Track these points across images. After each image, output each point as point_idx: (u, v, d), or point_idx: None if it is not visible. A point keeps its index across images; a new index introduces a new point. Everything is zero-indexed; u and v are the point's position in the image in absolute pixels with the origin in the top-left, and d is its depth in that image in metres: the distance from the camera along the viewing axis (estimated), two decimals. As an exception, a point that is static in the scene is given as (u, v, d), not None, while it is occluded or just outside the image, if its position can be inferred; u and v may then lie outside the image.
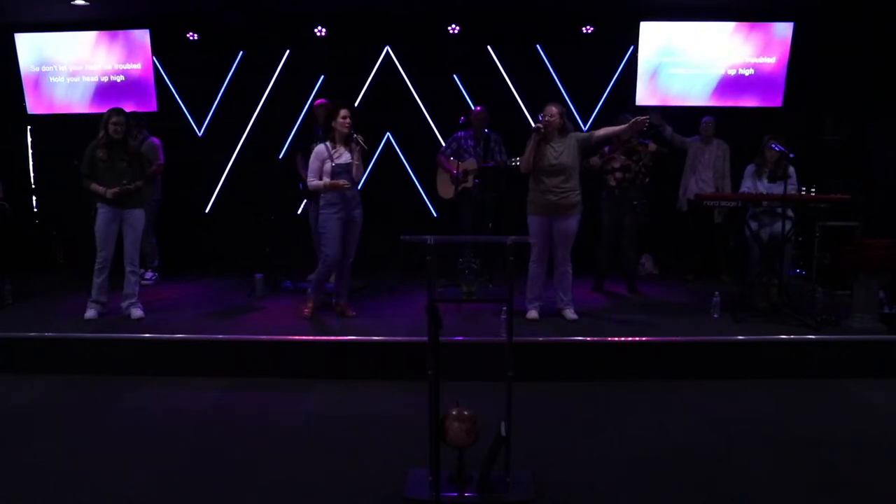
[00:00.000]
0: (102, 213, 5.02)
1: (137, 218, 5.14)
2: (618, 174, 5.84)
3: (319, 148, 4.90)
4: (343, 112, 4.84)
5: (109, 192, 4.95)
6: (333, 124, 4.86)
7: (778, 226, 5.29)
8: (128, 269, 5.13)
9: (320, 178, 4.87)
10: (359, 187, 5.14)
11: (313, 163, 4.89)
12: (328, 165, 4.85)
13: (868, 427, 3.77)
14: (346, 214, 4.93)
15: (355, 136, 4.89)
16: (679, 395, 4.23)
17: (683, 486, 3.10)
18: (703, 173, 6.53)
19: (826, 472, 3.24)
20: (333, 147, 4.89)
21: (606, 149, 5.87)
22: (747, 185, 5.48)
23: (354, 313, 5.16)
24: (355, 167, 4.92)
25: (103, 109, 5.09)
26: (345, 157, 4.89)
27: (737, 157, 6.47)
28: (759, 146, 5.53)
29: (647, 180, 5.94)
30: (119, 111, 5.01)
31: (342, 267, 5.12)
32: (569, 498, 2.99)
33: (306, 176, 6.21)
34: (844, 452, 3.44)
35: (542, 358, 4.53)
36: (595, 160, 5.85)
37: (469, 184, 6.15)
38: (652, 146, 5.93)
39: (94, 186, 4.98)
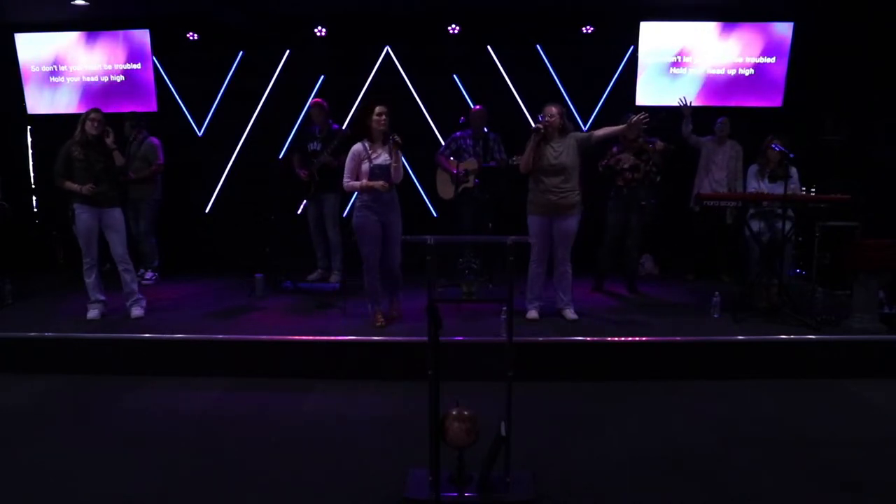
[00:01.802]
0: (80, 213, 4.99)
1: (116, 218, 5.10)
2: (627, 174, 5.81)
3: (357, 147, 4.64)
4: (378, 108, 4.56)
5: (85, 189, 4.92)
6: (368, 122, 4.60)
7: (778, 226, 5.29)
8: (120, 268, 5.12)
9: (357, 179, 4.63)
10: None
11: (349, 162, 4.63)
12: (366, 166, 4.60)
13: (868, 427, 3.77)
14: (384, 217, 4.68)
15: (392, 135, 4.60)
16: (679, 395, 4.23)
17: (683, 486, 3.10)
18: (717, 174, 6.49)
19: (826, 471, 3.24)
20: (371, 147, 4.65)
21: (615, 148, 5.85)
22: (752, 186, 5.47)
23: (381, 323, 4.87)
24: (394, 168, 4.63)
25: (103, 109, 5.09)
26: (383, 157, 4.63)
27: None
28: (760, 146, 5.52)
29: (658, 178, 5.91)
30: (97, 110, 5.01)
31: (392, 274, 4.88)
32: (569, 498, 2.99)
33: (302, 175, 6.26)
34: (844, 452, 3.44)
35: (542, 358, 4.53)
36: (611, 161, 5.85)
37: (470, 184, 6.14)
38: (659, 144, 5.85)
39: (69, 185, 4.95)
